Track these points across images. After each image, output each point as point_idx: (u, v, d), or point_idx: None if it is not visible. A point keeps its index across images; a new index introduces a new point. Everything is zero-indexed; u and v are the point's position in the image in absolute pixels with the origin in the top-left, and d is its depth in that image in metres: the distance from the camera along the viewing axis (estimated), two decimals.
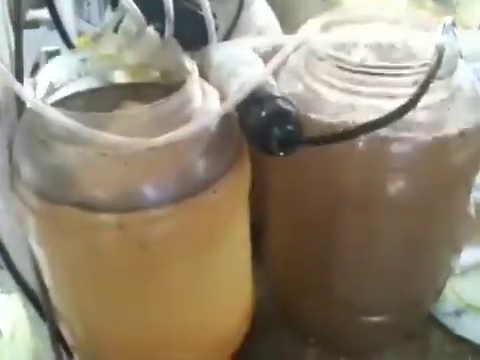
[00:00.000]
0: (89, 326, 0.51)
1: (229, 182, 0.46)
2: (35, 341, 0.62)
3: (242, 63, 0.51)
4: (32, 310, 0.57)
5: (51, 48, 1.25)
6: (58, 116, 0.38)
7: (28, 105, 0.46)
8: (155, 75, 0.57)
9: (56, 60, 0.50)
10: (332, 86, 0.47)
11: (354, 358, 0.67)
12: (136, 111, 0.41)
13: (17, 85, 0.37)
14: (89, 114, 0.40)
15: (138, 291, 0.46)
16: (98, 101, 0.54)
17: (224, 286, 0.52)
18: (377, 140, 0.46)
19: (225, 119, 0.47)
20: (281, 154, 0.42)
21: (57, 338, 0.55)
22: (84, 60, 0.52)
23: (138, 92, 0.55)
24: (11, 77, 0.39)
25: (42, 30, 1.42)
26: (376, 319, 0.62)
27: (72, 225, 0.42)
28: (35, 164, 0.43)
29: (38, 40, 1.20)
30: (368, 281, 0.57)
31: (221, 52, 0.53)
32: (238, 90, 0.45)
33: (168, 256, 0.44)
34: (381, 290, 0.57)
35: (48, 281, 0.51)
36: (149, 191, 0.42)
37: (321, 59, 0.47)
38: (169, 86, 0.53)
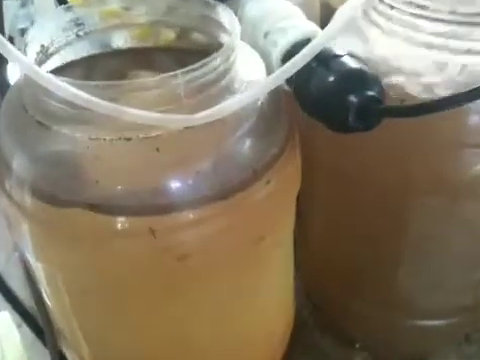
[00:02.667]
0: (107, 354, 0.40)
1: (284, 169, 0.36)
2: None
3: (285, 17, 0.40)
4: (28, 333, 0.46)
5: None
6: (66, 87, 0.27)
7: (17, 77, 0.35)
8: (169, 36, 0.45)
9: (43, 22, 0.38)
10: (410, 41, 0.36)
11: None
12: (165, 78, 0.30)
13: (6, 45, 0.26)
14: (105, 84, 0.29)
15: (171, 311, 0.36)
16: (99, 71, 0.42)
17: (271, 295, 0.42)
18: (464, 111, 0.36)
19: (275, 90, 0.36)
20: (359, 129, 0.32)
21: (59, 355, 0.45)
22: (79, 20, 0.40)
23: (148, 59, 0.44)
24: None
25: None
26: (436, 323, 0.52)
27: (83, 234, 0.32)
28: (30, 154, 0.32)
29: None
30: (438, 279, 0.47)
31: (255, 4, 0.42)
32: (288, 52, 0.35)
33: (211, 266, 0.34)
34: (451, 290, 0.48)
35: (49, 301, 0.40)
36: (189, 186, 0.31)
37: (394, 7, 0.36)
38: (188, 50, 0.42)
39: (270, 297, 0.42)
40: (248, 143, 0.33)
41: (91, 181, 0.31)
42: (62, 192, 0.32)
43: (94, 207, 0.31)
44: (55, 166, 0.32)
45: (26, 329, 0.50)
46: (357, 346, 0.59)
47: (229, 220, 0.33)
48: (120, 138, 0.30)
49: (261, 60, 0.37)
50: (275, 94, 0.35)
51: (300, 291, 0.57)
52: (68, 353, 0.47)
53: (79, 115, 0.31)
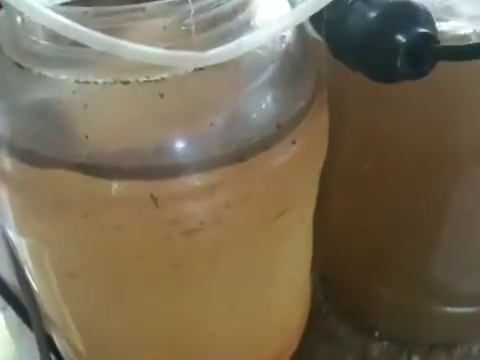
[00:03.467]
0: (102, 344, 0.34)
1: (311, 127, 0.30)
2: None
3: None
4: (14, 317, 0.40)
5: None
6: (49, 15, 0.21)
7: None
8: None
9: None
10: None
11: (430, 356, 0.52)
12: (172, 4, 0.24)
13: None
14: (96, 10, 0.23)
15: (176, 296, 0.30)
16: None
17: (289, 278, 0.36)
18: None
19: (302, 31, 0.30)
20: (409, 77, 0.26)
21: (48, 346, 0.39)
22: None
23: None
24: None
25: None
26: (467, 310, 0.47)
27: (70, 201, 0.26)
28: (7, 104, 0.27)
29: None
30: (475, 262, 0.41)
31: None
32: None
33: (223, 244, 0.28)
34: None
35: (35, 284, 0.34)
36: (199, 142, 0.25)
37: None
38: None
39: (288, 281, 0.37)
40: (271, 92, 0.27)
41: (79, 136, 0.25)
42: (44, 150, 0.26)
43: (82, 168, 0.25)
44: (36, 117, 0.26)
45: (11, 312, 0.44)
46: (377, 334, 0.53)
47: (247, 187, 0.27)
48: (115, 81, 0.24)
49: None
50: (302, 35, 0.29)
51: (314, 274, 0.51)
52: (58, 340, 0.41)
53: (65, 53, 0.25)
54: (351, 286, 0.53)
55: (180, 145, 0.25)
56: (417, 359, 0.53)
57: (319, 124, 0.31)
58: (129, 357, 0.36)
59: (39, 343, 0.38)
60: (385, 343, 0.54)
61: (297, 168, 0.29)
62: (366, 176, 0.43)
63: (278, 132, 0.27)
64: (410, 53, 0.25)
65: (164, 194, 0.25)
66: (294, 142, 0.28)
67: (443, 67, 0.26)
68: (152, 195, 0.25)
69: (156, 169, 0.25)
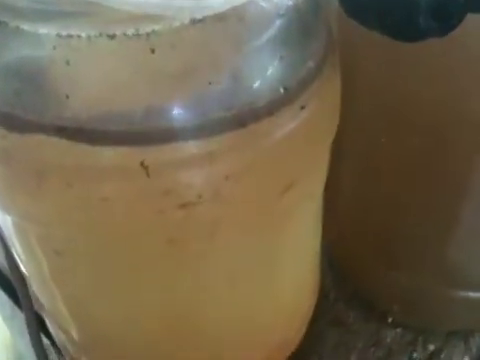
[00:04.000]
0: (95, 330, 0.32)
1: (322, 92, 0.27)
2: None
3: None
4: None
5: None
6: None
7: None
8: None
9: None
10: None
11: (447, 344, 0.49)
12: None
13: None
14: None
15: (172, 280, 0.28)
16: None
17: (296, 263, 0.34)
18: None
19: None
20: (433, 33, 0.22)
21: (38, 328, 0.36)
22: None
23: None
24: None
25: None
26: None
27: (54, 170, 0.23)
28: None
29: None
30: None
31: None
32: None
33: (223, 221, 0.25)
34: None
35: (24, 266, 0.32)
36: (196, 103, 0.22)
37: None
38: None
39: (296, 263, 0.34)
40: (277, 50, 0.24)
41: (59, 96, 0.22)
42: (23, 112, 0.23)
43: (65, 132, 0.22)
44: (13, 77, 0.23)
45: (3, 294, 0.42)
46: (390, 320, 0.50)
47: (249, 157, 0.24)
48: (100, 35, 0.21)
49: None
50: None
51: (321, 258, 0.48)
52: (50, 325, 0.39)
53: (44, 4, 0.22)
54: (363, 270, 0.50)
55: (174, 107, 0.22)
56: (433, 347, 0.50)
57: (331, 88, 0.28)
58: (123, 343, 0.34)
59: (29, 325, 0.36)
60: (398, 330, 0.51)
61: (306, 137, 0.26)
62: (381, 148, 0.39)
63: (285, 96, 0.24)
64: (434, 7, 0.22)
65: (156, 162, 0.23)
66: (303, 107, 0.25)
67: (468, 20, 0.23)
68: (142, 163, 0.22)
69: (147, 134, 0.22)
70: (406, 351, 0.50)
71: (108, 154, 0.23)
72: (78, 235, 0.26)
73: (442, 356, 0.49)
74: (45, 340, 0.41)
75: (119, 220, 0.24)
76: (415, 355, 0.50)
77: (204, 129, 0.23)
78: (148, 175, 0.23)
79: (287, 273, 0.33)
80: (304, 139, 0.26)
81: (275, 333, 0.38)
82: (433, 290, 0.45)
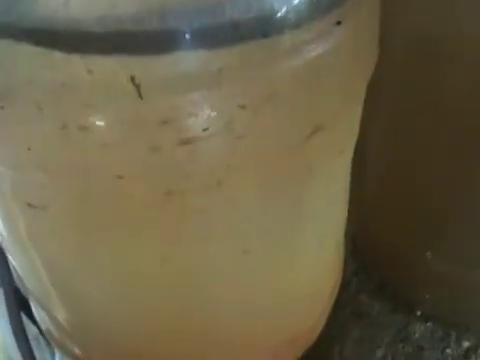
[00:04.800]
0: (76, 303, 0.27)
1: (361, 9, 0.21)
2: None
3: None
4: None
5: None
6: None
7: None
8: None
9: None
10: None
11: None
12: None
13: None
14: None
15: (168, 239, 0.22)
16: None
17: (320, 227, 0.28)
18: None
19: None
20: None
21: (18, 306, 0.32)
22: None
23: None
24: None
25: None
26: None
27: (22, 86, 0.18)
28: None
29: None
30: None
31: None
32: None
33: (239, 162, 0.20)
34: None
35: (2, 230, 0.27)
36: (203, 2, 0.17)
37: None
38: None
39: (318, 236, 0.29)
40: None
41: None
42: None
43: (34, 36, 0.17)
44: None
45: None
46: (419, 313, 0.45)
47: (272, 79, 0.19)
48: None
49: None
50: None
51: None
52: (34, 307, 0.34)
53: None
54: (390, 256, 0.44)
55: (174, 2, 0.17)
56: (468, 344, 0.44)
57: (371, 9, 0.22)
58: (116, 325, 0.29)
59: (7, 301, 0.31)
60: (429, 324, 0.46)
61: (341, 64, 0.21)
62: (416, 115, 0.34)
63: (317, 4, 0.19)
64: None
65: (150, 78, 0.17)
66: (339, 23, 0.20)
67: None
68: (133, 79, 0.17)
69: (139, 38, 0.17)
70: (438, 347, 0.44)
71: (89, 66, 0.17)
72: (54, 180, 0.21)
73: None
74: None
75: (103, 159, 0.19)
76: (448, 351, 0.44)
77: (212, 36, 0.18)
78: (140, 96, 0.18)
79: (309, 244, 0.28)
80: (339, 67, 0.21)
81: (292, 320, 0.33)
82: (471, 278, 0.40)
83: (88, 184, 0.20)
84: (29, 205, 0.23)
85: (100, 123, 0.18)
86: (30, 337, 0.44)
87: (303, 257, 0.29)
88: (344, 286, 0.46)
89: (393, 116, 0.36)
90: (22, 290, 0.34)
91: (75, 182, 0.21)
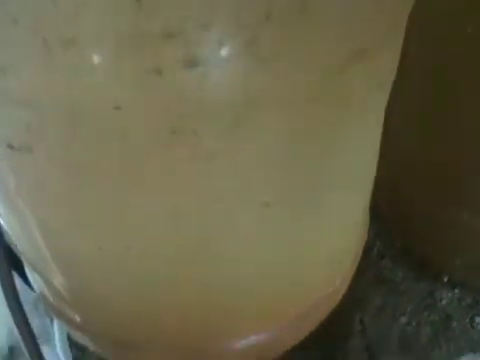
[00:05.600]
0: (74, 269, 0.24)
1: None
2: None
3: None
4: None
5: None
6: None
7: None
8: None
9: None
10: None
11: None
12: None
13: None
14: None
15: (176, 189, 0.19)
16: None
17: (348, 177, 0.24)
18: None
19: None
20: None
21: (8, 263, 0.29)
22: None
23: None
24: None
25: None
26: None
27: None
28: None
29: None
30: None
31: None
32: None
33: (259, 91, 0.16)
34: None
35: None
36: None
37: None
38: None
39: (347, 187, 0.25)
40: None
41: None
42: None
43: None
44: None
45: None
46: (445, 280, 0.41)
47: None
48: None
49: None
50: None
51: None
52: (29, 271, 0.31)
53: None
54: (416, 217, 0.41)
55: None
56: None
57: None
58: (116, 290, 0.25)
59: None
60: (457, 291, 0.42)
61: None
62: (448, 59, 0.30)
63: None
64: None
65: None
66: None
67: None
68: None
69: None
70: (466, 315, 0.41)
71: None
72: (37, 116, 0.17)
73: None
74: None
75: (94, 84, 0.15)
76: (478, 320, 0.41)
77: None
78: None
79: (337, 200, 0.24)
80: None
81: (312, 285, 0.30)
82: None
83: (78, 119, 0.17)
84: (10, 147, 0.19)
85: (89, 36, 0.14)
86: (29, 301, 0.41)
87: (329, 215, 0.25)
88: (366, 251, 0.42)
89: (422, 75, 0.32)
90: (14, 250, 0.30)
91: (62, 116, 0.17)
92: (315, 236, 0.27)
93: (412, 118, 0.36)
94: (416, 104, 0.35)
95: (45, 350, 0.43)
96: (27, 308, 0.41)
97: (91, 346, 0.35)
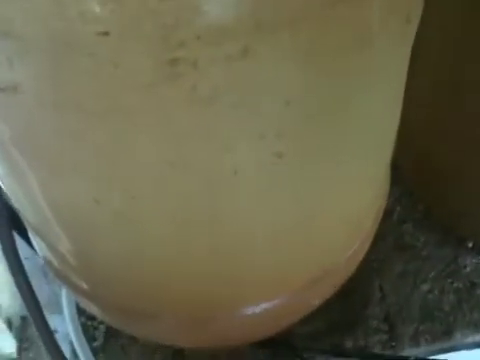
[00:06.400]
0: (77, 232, 0.22)
1: None
2: None
3: None
4: None
5: None
6: None
7: None
8: None
9: None
10: None
11: None
12: None
13: None
14: None
15: (184, 135, 0.17)
16: None
17: (371, 131, 0.22)
18: None
19: None
20: None
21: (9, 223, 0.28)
22: None
23: None
24: None
25: None
26: None
27: None
28: None
29: None
30: None
31: None
32: None
33: (273, 21, 0.14)
34: None
35: None
36: None
37: None
38: None
39: (367, 139, 0.23)
40: None
41: None
42: None
43: None
44: None
45: None
46: (470, 245, 0.39)
47: None
48: None
49: None
50: None
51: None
52: (32, 235, 0.29)
53: None
54: (440, 179, 0.38)
55: None
56: None
57: None
58: (118, 252, 0.24)
59: None
60: None
61: None
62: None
63: None
64: None
65: None
66: None
67: None
68: None
69: None
70: None
71: None
72: (17, 47, 0.15)
73: None
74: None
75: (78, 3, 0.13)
76: None
77: None
78: None
79: (356, 150, 0.22)
80: None
81: (328, 247, 0.28)
82: None
83: (62, 49, 0.15)
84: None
85: None
86: (36, 269, 0.40)
87: (347, 169, 0.23)
88: (386, 216, 0.40)
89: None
90: (18, 213, 0.29)
91: (44, 47, 0.15)
92: (332, 192, 0.25)
93: (441, 72, 0.33)
94: (447, 58, 0.33)
95: (56, 319, 0.42)
96: (36, 275, 0.40)
97: (99, 314, 0.33)
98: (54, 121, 0.18)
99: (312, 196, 0.23)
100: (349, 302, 0.36)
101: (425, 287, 0.39)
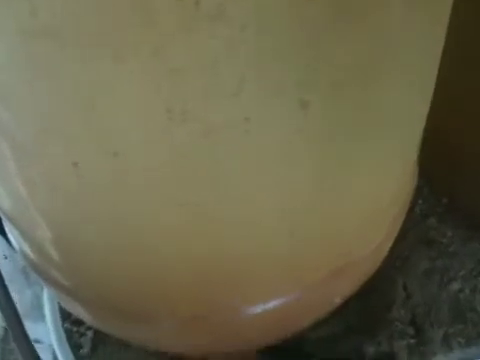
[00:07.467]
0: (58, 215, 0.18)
1: None
2: None
3: None
4: None
5: None
6: None
7: None
8: None
9: None
10: None
11: None
12: None
13: None
14: None
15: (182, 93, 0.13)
16: None
17: (397, 116, 0.19)
18: None
19: None
20: None
21: None
22: None
23: None
24: None
25: None
26: None
27: None
28: None
29: None
30: None
31: None
32: None
33: None
34: None
35: None
36: None
37: None
38: None
39: (395, 123, 0.19)
40: None
41: None
42: None
43: None
44: None
45: None
46: None
47: None
48: None
49: None
50: None
51: None
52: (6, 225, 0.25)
53: None
54: (465, 167, 0.34)
55: None
56: None
57: None
58: (104, 235, 0.20)
59: None
60: None
61: None
62: None
63: None
64: None
65: None
66: None
67: None
68: None
69: None
70: None
71: None
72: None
73: None
74: None
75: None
76: None
77: None
78: None
79: (385, 132, 0.19)
80: None
81: (348, 242, 0.24)
82: None
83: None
84: None
85: None
86: (17, 271, 0.36)
87: (378, 145, 0.20)
88: (409, 210, 0.37)
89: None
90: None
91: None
92: (359, 170, 0.21)
93: (461, 62, 0.30)
94: (466, 49, 0.29)
95: (40, 328, 0.38)
96: (17, 278, 0.36)
97: (85, 317, 0.29)
98: (21, 62, 0.13)
99: (336, 173, 0.19)
100: (369, 302, 0.32)
101: (455, 286, 0.35)
